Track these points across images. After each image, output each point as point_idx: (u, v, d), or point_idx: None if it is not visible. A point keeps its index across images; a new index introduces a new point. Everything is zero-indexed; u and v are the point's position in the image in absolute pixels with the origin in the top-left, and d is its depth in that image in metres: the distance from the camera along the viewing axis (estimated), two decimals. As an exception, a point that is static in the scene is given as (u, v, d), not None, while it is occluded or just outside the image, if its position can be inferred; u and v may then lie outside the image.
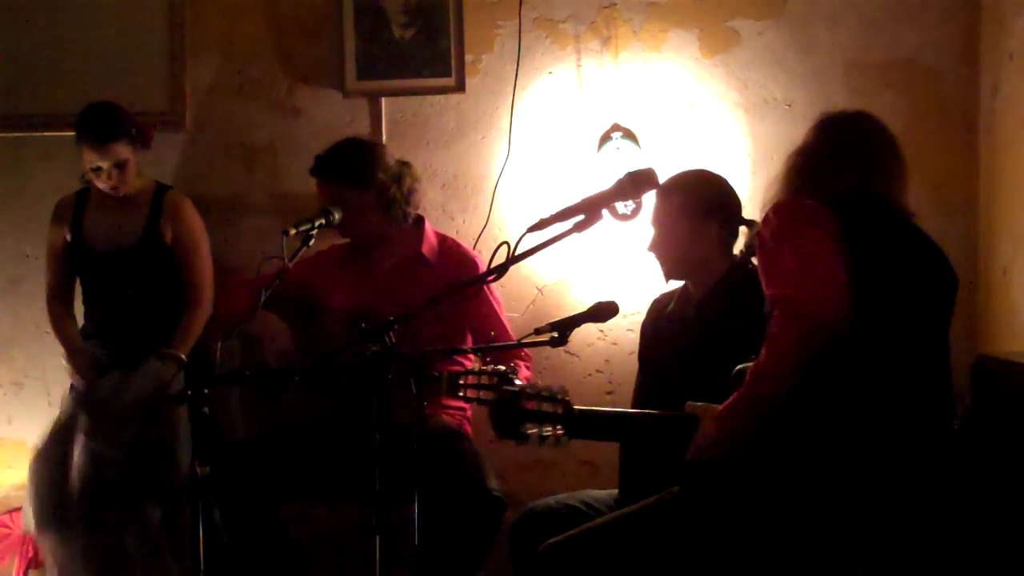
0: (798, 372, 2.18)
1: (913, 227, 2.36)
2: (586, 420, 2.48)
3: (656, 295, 3.01)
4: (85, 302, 3.50)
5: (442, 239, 3.35)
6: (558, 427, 2.45)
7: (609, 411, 2.56)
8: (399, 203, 3.23)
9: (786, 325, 2.17)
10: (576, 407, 2.47)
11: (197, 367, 3.28)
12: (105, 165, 3.30)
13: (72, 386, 3.42)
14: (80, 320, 3.53)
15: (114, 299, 3.41)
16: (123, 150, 3.32)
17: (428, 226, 3.33)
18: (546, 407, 2.47)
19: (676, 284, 2.92)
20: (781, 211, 2.33)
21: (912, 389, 2.24)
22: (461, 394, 2.66)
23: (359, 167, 3.21)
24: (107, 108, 3.34)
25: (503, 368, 2.54)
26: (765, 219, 2.32)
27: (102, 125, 3.30)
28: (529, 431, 2.45)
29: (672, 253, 2.79)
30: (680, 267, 2.80)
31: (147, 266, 3.40)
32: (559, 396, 2.47)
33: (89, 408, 3.28)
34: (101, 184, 3.34)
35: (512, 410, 2.47)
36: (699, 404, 2.37)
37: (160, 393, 3.24)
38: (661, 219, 2.80)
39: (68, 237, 3.42)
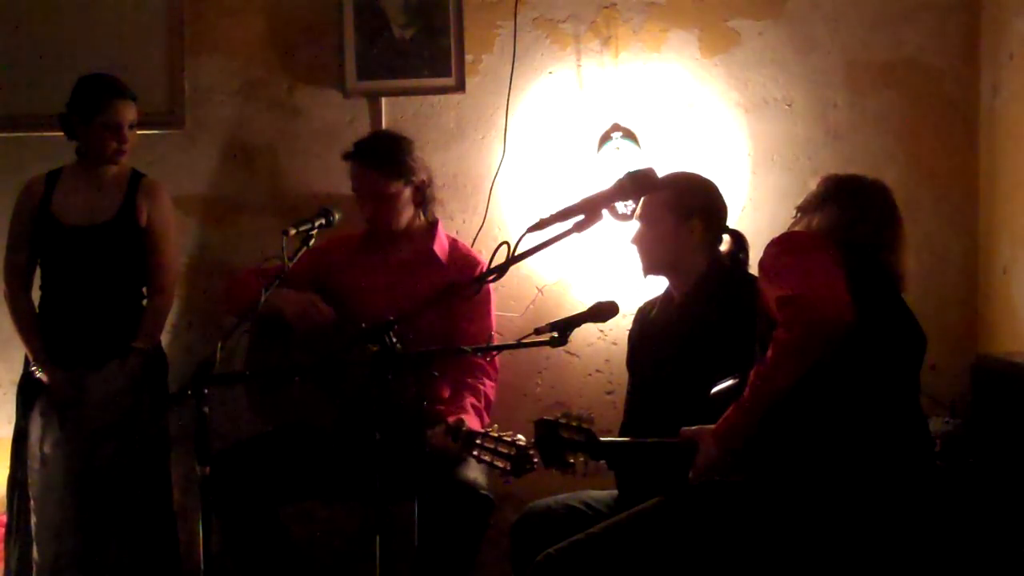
0: (803, 366, 2.20)
1: (896, 293, 2.44)
2: (605, 449, 2.61)
3: (642, 302, 3.05)
4: (43, 285, 3.36)
5: (452, 242, 3.39)
6: (587, 455, 2.59)
7: (616, 441, 2.68)
8: (429, 202, 3.32)
9: (792, 323, 2.20)
10: (601, 438, 2.60)
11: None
12: (127, 121, 3.26)
13: (27, 377, 3.31)
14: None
15: (78, 280, 3.28)
16: (135, 113, 3.30)
17: (441, 228, 3.37)
18: (577, 437, 2.58)
19: (658, 291, 2.97)
20: (784, 238, 2.43)
21: (887, 420, 2.31)
22: (475, 453, 2.71)
23: (402, 159, 3.25)
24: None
25: (522, 440, 2.62)
26: (767, 248, 2.37)
27: (123, 84, 3.31)
28: (571, 460, 2.58)
29: (654, 246, 2.82)
30: (659, 262, 2.83)
31: (119, 245, 3.29)
32: (585, 425, 2.58)
33: (56, 401, 3.23)
34: (111, 145, 3.25)
35: (555, 440, 2.58)
36: (692, 428, 2.42)
37: (132, 392, 3.22)
38: (648, 212, 2.83)
39: (35, 213, 3.31)
